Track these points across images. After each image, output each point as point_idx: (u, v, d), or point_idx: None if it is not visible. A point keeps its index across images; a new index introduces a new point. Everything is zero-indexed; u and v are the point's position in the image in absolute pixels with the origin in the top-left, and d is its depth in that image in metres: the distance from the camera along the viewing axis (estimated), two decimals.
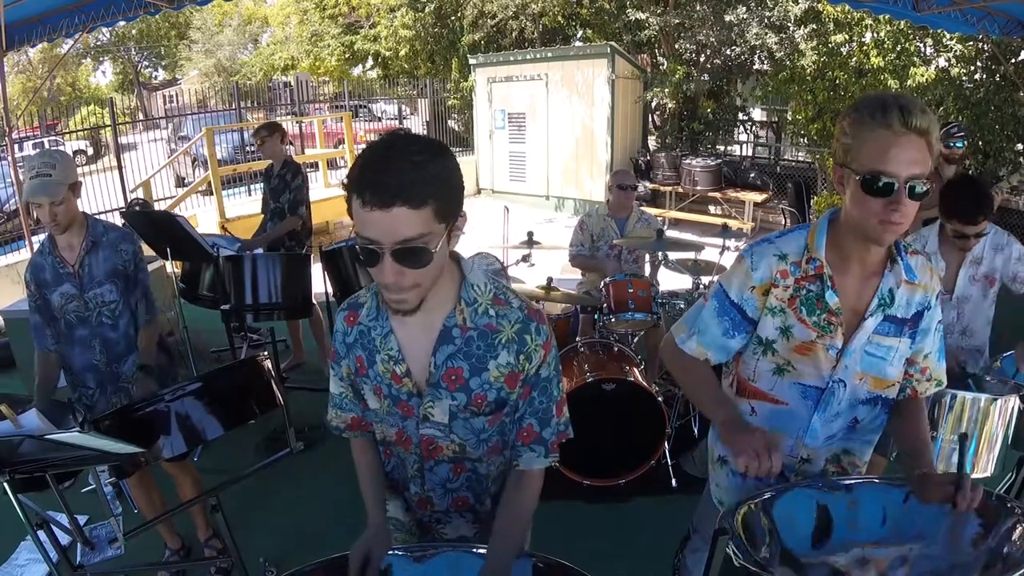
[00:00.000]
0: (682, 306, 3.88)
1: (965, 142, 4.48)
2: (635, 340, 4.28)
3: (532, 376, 1.34)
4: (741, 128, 11.30)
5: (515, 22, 13.04)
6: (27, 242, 6.48)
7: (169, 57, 31.24)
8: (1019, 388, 2.20)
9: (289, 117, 14.83)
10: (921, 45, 8.63)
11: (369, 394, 1.40)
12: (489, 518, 1.46)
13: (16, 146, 7.94)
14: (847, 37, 8.67)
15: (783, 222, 9.06)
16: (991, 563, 1.26)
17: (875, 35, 8.57)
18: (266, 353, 2.40)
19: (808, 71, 8.82)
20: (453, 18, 14.38)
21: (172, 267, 4.40)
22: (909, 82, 8.14)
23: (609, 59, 9.90)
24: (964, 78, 8.25)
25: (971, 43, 7.94)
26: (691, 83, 10.07)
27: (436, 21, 14.62)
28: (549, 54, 11.01)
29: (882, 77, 8.30)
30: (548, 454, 1.40)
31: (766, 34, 9.10)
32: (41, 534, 1.84)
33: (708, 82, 10.54)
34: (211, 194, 8.39)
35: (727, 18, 9.41)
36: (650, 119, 11.87)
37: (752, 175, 9.65)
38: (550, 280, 3.76)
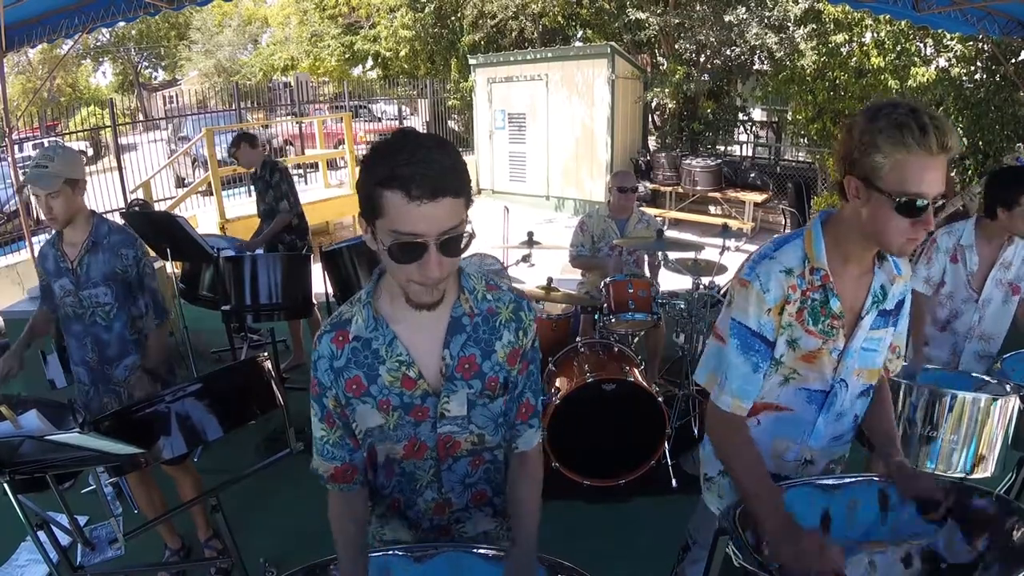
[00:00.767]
0: (682, 306, 3.88)
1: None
2: (635, 340, 4.28)
3: (528, 351, 1.38)
4: (741, 128, 11.31)
5: (515, 22, 13.05)
6: (27, 242, 6.48)
7: (169, 58, 31.24)
8: (1019, 389, 2.20)
9: (289, 117, 14.84)
10: (921, 45, 8.63)
11: (371, 414, 1.33)
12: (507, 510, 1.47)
13: (16, 147, 7.94)
14: (847, 37, 8.67)
15: (783, 222, 9.06)
16: (991, 563, 1.26)
17: (875, 35, 8.57)
18: (266, 353, 2.40)
19: (808, 71, 8.83)
20: (453, 18, 14.40)
21: (172, 267, 4.41)
22: (909, 82, 8.14)
23: (609, 59, 9.90)
24: (964, 78, 8.24)
25: (971, 43, 7.94)
26: (691, 83, 10.07)
27: (436, 21, 14.63)
28: (549, 54, 11.01)
29: (882, 77, 8.30)
30: (540, 424, 1.46)
31: (766, 34, 9.11)
32: (41, 535, 1.84)
33: (708, 82, 10.55)
34: (211, 194, 8.40)
35: (727, 18, 9.41)
36: (650, 119, 11.88)
37: (752, 175, 9.66)
38: (550, 280, 3.76)
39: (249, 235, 5.03)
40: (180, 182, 11.78)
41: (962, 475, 2.08)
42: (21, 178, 2.42)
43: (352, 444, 1.37)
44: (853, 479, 1.50)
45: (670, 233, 5.21)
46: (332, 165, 11.27)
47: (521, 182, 11.40)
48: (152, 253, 4.00)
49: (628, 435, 3.29)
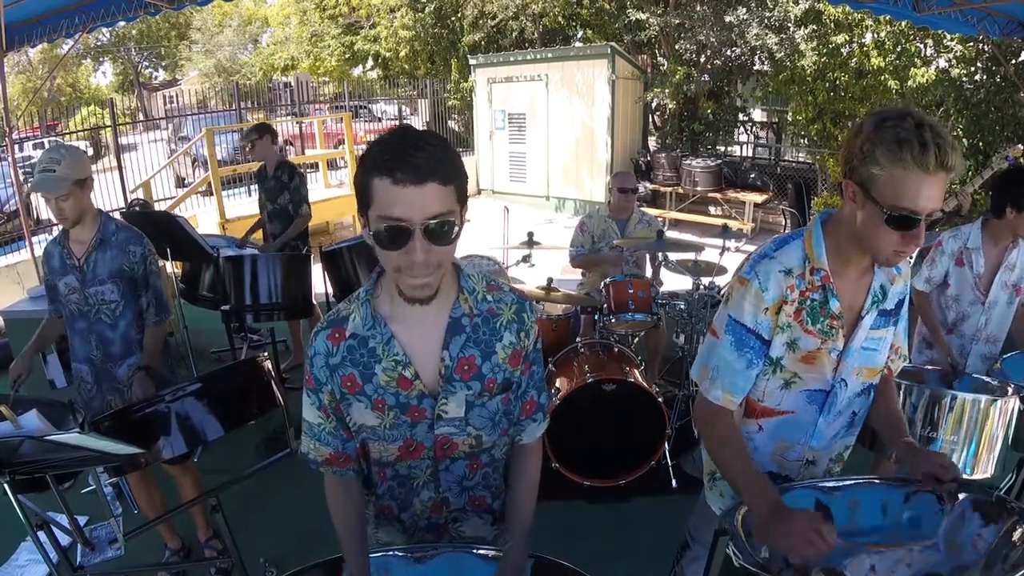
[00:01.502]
0: (682, 306, 3.88)
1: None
2: (635, 341, 4.28)
3: (531, 352, 1.39)
4: (741, 129, 11.31)
5: (515, 22, 13.04)
6: (27, 242, 6.48)
7: (169, 57, 31.24)
8: (1019, 389, 2.20)
9: (289, 117, 14.84)
10: (921, 46, 8.63)
11: (365, 412, 1.32)
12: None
13: (16, 147, 7.94)
14: (847, 38, 8.67)
15: (783, 223, 9.06)
16: (991, 563, 1.26)
17: (875, 36, 8.57)
18: (266, 353, 2.40)
19: (808, 72, 8.83)
20: (453, 18, 14.39)
21: (172, 267, 4.41)
22: (909, 83, 8.14)
23: (609, 59, 9.91)
24: (964, 79, 8.24)
25: (971, 44, 7.93)
26: (691, 84, 10.07)
27: (436, 21, 14.62)
28: (549, 54, 11.01)
29: (882, 78, 8.29)
30: (545, 418, 1.48)
31: (766, 35, 9.10)
32: (41, 535, 1.83)
33: (708, 83, 10.54)
34: (211, 194, 8.39)
35: (727, 19, 9.41)
36: (650, 119, 11.88)
37: (752, 176, 9.66)
38: (550, 280, 3.76)
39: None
40: (180, 182, 11.78)
41: (962, 475, 2.08)
42: (21, 178, 2.42)
43: (346, 435, 1.38)
44: (853, 480, 1.50)
45: (670, 234, 5.21)
46: (332, 165, 11.27)
47: (521, 182, 11.40)
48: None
49: (628, 435, 3.29)
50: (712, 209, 9.82)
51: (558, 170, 10.88)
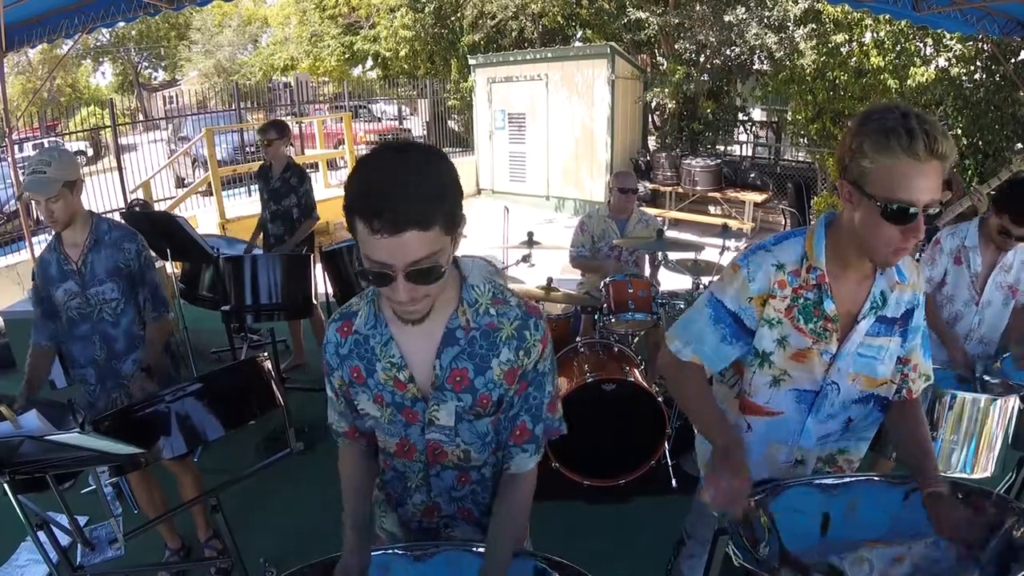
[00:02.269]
0: (682, 306, 3.87)
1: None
2: (635, 340, 4.28)
3: (530, 371, 1.33)
4: (741, 128, 11.31)
5: (515, 22, 13.04)
6: (27, 242, 6.48)
7: (169, 58, 31.24)
8: (1019, 388, 2.20)
9: (289, 117, 14.81)
10: (921, 45, 8.63)
11: (368, 403, 1.37)
12: None
13: (16, 147, 7.94)
14: (847, 37, 8.67)
15: (783, 222, 9.06)
16: (991, 563, 1.26)
17: (875, 35, 8.57)
18: (266, 354, 2.40)
19: (808, 71, 8.83)
20: (453, 18, 14.39)
21: (172, 267, 4.40)
22: (909, 82, 8.14)
23: (609, 59, 9.90)
24: (964, 78, 8.24)
25: (971, 43, 7.93)
26: (691, 83, 10.07)
27: (436, 21, 14.63)
28: (549, 54, 11.01)
29: (882, 77, 8.30)
30: (537, 451, 1.39)
31: (766, 34, 9.11)
32: (41, 535, 1.84)
33: (708, 82, 10.55)
34: (211, 195, 8.40)
35: (727, 18, 9.41)
36: (650, 119, 11.88)
37: (752, 175, 9.66)
38: (550, 280, 3.76)
39: (249, 236, 4.98)
40: (180, 182, 11.78)
41: (962, 475, 2.08)
42: (22, 178, 2.41)
43: (354, 415, 1.45)
44: (853, 479, 1.50)
45: (670, 233, 5.21)
46: (332, 165, 11.27)
47: (521, 182, 11.40)
48: (152, 253, 4.02)
49: (628, 435, 3.29)
50: (712, 209, 9.82)
51: (558, 170, 10.88)
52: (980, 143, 7.92)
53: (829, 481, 1.49)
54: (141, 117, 25.34)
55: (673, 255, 4.22)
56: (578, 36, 14.91)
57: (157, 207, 7.54)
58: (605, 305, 3.69)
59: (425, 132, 14.76)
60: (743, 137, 11.56)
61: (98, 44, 30.06)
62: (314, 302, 4.19)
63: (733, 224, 8.25)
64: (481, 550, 1.33)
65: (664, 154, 10.09)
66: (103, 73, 35.13)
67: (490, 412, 1.33)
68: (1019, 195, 2.57)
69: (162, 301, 2.67)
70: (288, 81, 19.23)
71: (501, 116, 11.29)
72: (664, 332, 4.09)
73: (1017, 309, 2.80)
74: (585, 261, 4.25)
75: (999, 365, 2.61)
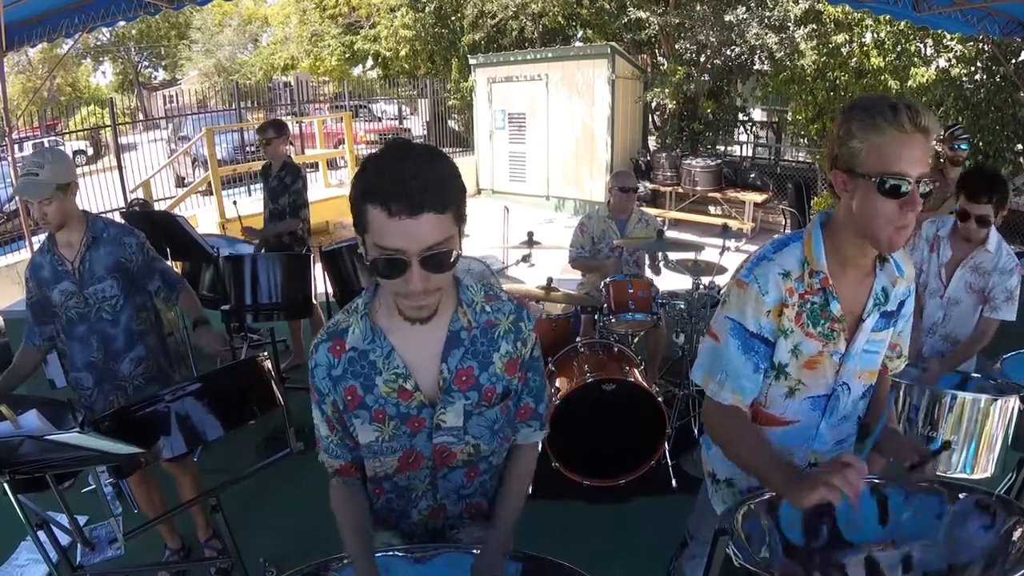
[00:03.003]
0: (682, 306, 3.88)
1: (968, 144, 4.47)
2: (635, 340, 4.28)
3: (527, 359, 1.39)
4: (741, 128, 11.31)
5: (515, 22, 13.03)
6: (27, 242, 6.49)
7: (169, 57, 31.22)
8: (1019, 389, 2.20)
9: (289, 117, 14.79)
10: (921, 45, 8.63)
11: (364, 427, 1.34)
12: None
13: (16, 146, 7.94)
14: (847, 37, 8.67)
15: (783, 222, 9.06)
16: (991, 563, 1.26)
17: (875, 35, 8.58)
18: (266, 353, 2.40)
19: (808, 71, 8.83)
20: (453, 18, 14.39)
21: (172, 267, 4.40)
22: (909, 82, 8.15)
23: (609, 59, 9.90)
24: (964, 78, 8.25)
25: (971, 43, 7.94)
26: (691, 83, 10.07)
27: (436, 21, 14.62)
28: (549, 54, 11.01)
29: (882, 77, 8.30)
30: (542, 427, 1.48)
31: (766, 34, 9.11)
32: (41, 534, 1.84)
33: (708, 82, 10.55)
34: (211, 194, 8.40)
35: (727, 18, 9.41)
36: (650, 119, 11.88)
37: (752, 175, 9.66)
38: (550, 280, 3.76)
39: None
40: (180, 182, 11.78)
41: (962, 475, 2.08)
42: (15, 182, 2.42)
43: (352, 444, 1.40)
44: None
45: (670, 233, 5.21)
46: (332, 165, 11.28)
47: (521, 182, 11.40)
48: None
49: (628, 435, 3.29)
50: (712, 209, 9.82)
51: (558, 170, 10.88)
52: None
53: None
54: (141, 116, 25.33)
55: (673, 255, 4.22)
56: (578, 36, 14.90)
57: (157, 207, 7.54)
58: (605, 305, 3.69)
59: (425, 132, 14.76)
60: (743, 137, 11.56)
61: (98, 43, 30.06)
62: (314, 302, 4.19)
63: (733, 224, 8.25)
64: None
65: (664, 154, 10.09)
66: (103, 72, 35.17)
67: (496, 402, 1.37)
68: (972, 174, 2.68)
69: (176, 279, 2.70)
70: (288, 81, 19.23)
71: (501, 116, 11.29)
72: (664, 332, 4.12)
73: (981, 320, 2.78)
74: (584, 261, 4.25)
75: (999, 366, 2.61)
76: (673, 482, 3.29)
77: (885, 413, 1.45)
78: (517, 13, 12.81)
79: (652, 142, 11.72)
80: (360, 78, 18.48)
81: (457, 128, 14.72)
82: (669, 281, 4.77)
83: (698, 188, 9.48)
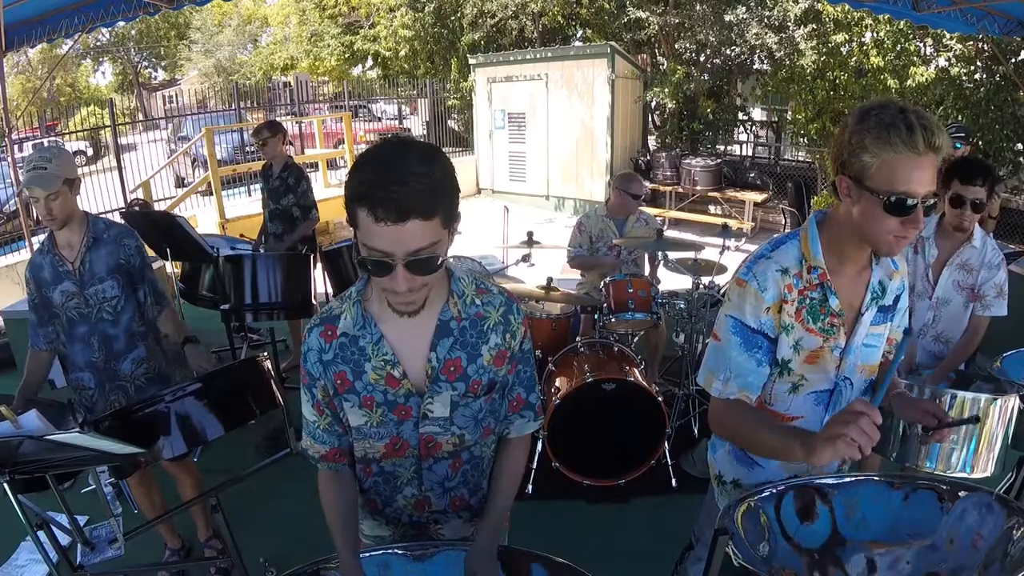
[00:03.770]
0: (682, 306, 3.88)
1: (964, 143, 4.45)
2: (635, 340, 4.28)
3: (516, 352, 1.40)
4: (741, 128, 11.30)
5: (515, 22, 13.03)
6: (27, 242, 6.48)
7: (169, 57, 31.24)
8: (1019, 388, 2.20)
9: (289, 117, 14.82)
10: (921, 45, 8.63)
11: (354, 411, 1.36)
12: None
13: (16, 147, 7.94)
14: (847, 37, 8.67)
15: (783, 222, 9.06)
16: (991, 563, 1.26)
17: (875, 35, 8.57)
18: (266, 353, 2.40)
19: (808, 71, 8.83)
20: (453, 18, 14.38)
21: (172, 267, 4.40)
22: (909, 82, 8.14)
23: (609, 59, 9.90)
24: (964, 78, 8.24)
25: (971, 43, 7.94)
26: (691, 83, 10.07)
27: (436, 21, 14.61)
28: (549, 54, 11.01)
29: (882, 77, 8.30)
30: (536, 418, 1.50)
31: (766, 34, 9.11)
32: (41, 535, 1.83)
33: (708, 82, 10.55)
34: (211, 194, 8.40)
35: (727, 18, 9.42)
36: (650, 119, 11.87)
37: (752, 175, 9.66)
38: (550, 280, 3.76)
39: (248, 233, 4.99)
40: (180, 182, 11.78)
41: (962, 475, 2.08)
42: (21, 177, 2.42)
43: (341, 430, 1.42)
44: (853, 478, 1.50)
45: (670, 233, 5.21)
46: (332, 165, 11.27)
47: (521, 182, 11.40)
48: (152, 253, 4.02)
49: (628, 435, 3.29)
50: (712, 208, 9.82)
51: (558, 169, 10.88)
52: (980, 143, 7.91)
53: (830, 480, 1.49)
54: (141, 117, 25.34)
55: (673, 255, 4.22)
56: (578, 36, 14.89)
57: (157, 207, 7.54)
58: (605, 305, 3.69)
59: (425, 132, 14.74)
60: (743, 137, 11.55)
61: (98, 44, 30.06)
62: (313, 302, 4.19)
63: (733, 224, 8.25)
64: None
65: (664, 154, 10.09)
66: (103, 73, 35.17)
67: (482, 393, 1.38)
68: (961, 160, 2.66)
69: (162, 295, 2.70)
70: (288, 81, 19.26)
71: (501, 116, 11.29)
72: (665, 332, 4.12)
73: (972, 318, 2.77)
74: (583, 260, 4.25)
75: (999, 364, 2.61)
76: (673, 482, 3.29)
77: (895, 362, 1.35)
78: (517, 13, 12.81)
79: (652, 142, 11.71)
80: (360, 78, 18.48)
81: (457, 128, 14.71)
82: (669, 281, 4.78)
83: (698, 188, 9.48)
